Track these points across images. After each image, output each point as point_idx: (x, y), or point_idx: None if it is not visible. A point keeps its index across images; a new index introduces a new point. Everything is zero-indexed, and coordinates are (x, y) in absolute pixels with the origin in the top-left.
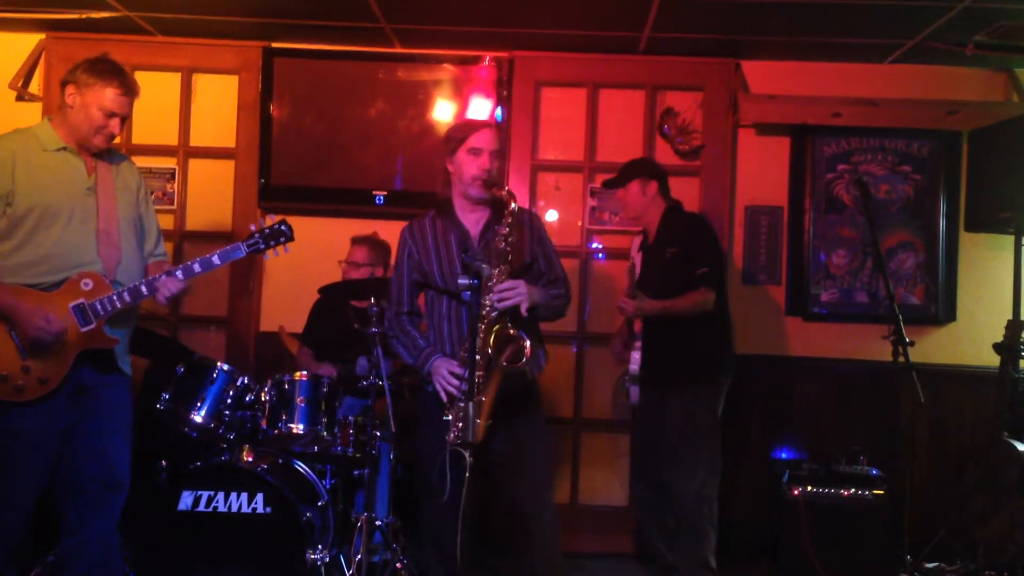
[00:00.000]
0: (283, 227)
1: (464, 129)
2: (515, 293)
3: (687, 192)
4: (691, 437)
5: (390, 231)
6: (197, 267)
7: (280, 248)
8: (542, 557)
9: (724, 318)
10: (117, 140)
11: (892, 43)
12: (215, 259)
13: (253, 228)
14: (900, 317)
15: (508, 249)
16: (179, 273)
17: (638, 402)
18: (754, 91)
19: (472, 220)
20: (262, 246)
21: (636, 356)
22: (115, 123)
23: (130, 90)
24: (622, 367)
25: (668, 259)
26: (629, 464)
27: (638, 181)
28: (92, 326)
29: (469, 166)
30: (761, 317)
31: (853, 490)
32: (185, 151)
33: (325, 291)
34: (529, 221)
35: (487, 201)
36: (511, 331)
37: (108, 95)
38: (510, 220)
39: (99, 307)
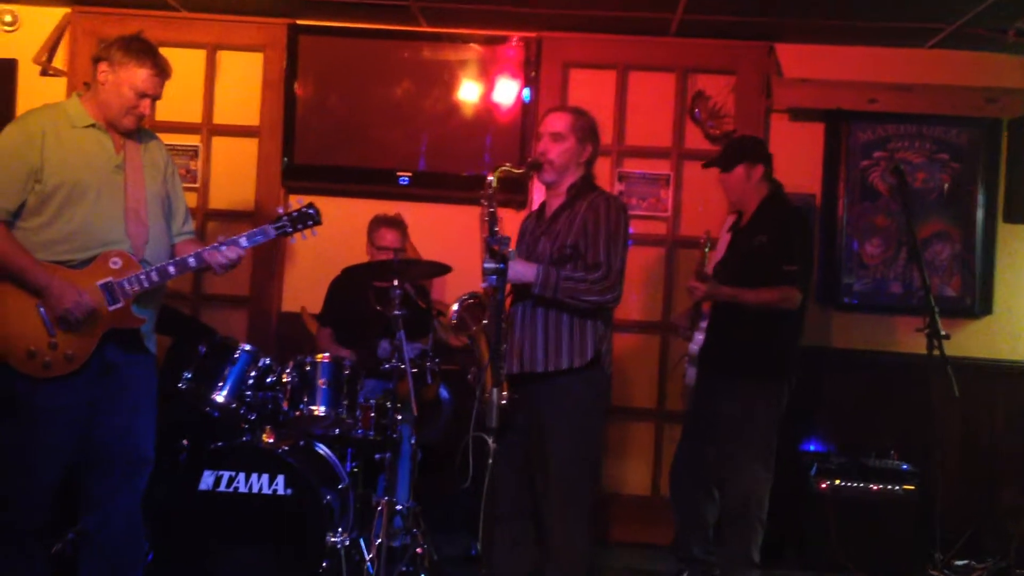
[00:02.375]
0: (311, 210)
1: (543, 115)
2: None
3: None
4: (747, 433)
5: (414, 213)
6: (228, 244)
7: (308, 232)
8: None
9: (801, 320)
10: None
11: (931, 27)
12: (243, 241)
13: (281, 211)
14: (935, 309)
15: (490, 220)
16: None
17: (694, 386)
18: (788, 75)
19: (552, 204)
20: (290, 229)
21: (699, 337)
22: (146, 104)
23: (163, 71)
24: (683, 346)
25: (756, 247)
26: (677, 448)
27: (744, 165)
28: (120, 305)
29: (535, 150)
30: None
31: (882, 485)
32: (208, 129)
33: (352, 271)
34: (591, 204)
35: (558, 185)
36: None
37: (141, 75)
38: (489, 192)
39: (127, 286)
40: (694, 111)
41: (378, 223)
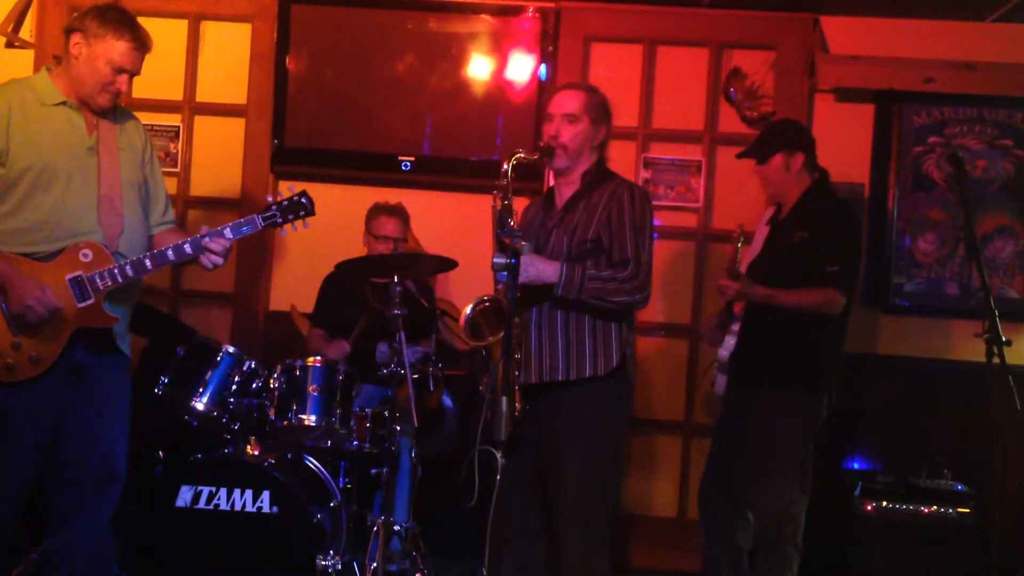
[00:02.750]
0: (303, 199)
1: (552, 94)
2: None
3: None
4: (779, 448)
5: (417, 201)
6: (188, 248)
7: (299, 223)
8: None
9: (843, 326)
10: None
11: None
12: (227, 232)
13: (270, 199)
14: (996, 312)
15: (505, 213)
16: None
17: (723, 395)
18: (834, 51)
19: (564, 194)
20: (279, 220)
21: (731, 342)
22: (123, 80)
23: (143, 44)
24: (713, 351)
25: (796, 243)
26: (705, 465)
27: (782, 155)
28: (91, 301)
29: (544, 135)
30: None
31: (935, 507)
32: (191, 107)
33: (347, 266)
34: (614, 193)
35: (571, 172)
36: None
37: (119, 48)
38: (504, 182)
39: (99, 281)
40: (729, 91)
41: (377, 211)
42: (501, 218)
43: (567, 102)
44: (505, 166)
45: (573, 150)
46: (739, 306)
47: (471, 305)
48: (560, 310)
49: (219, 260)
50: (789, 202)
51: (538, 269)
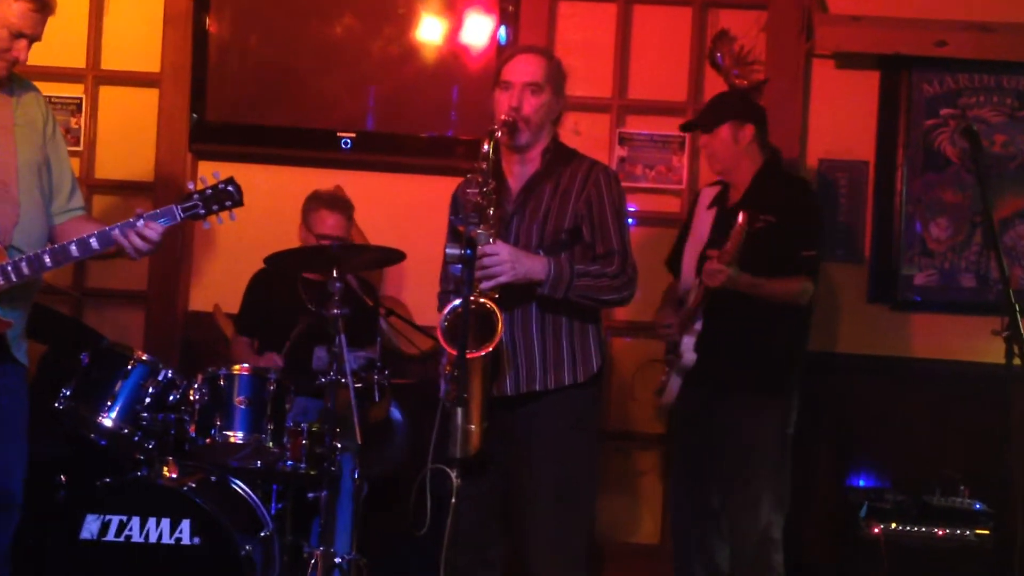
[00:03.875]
0: (230, 187)
1: (501, 56)
2: (494, 262)
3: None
4: (756, 463)
5: (359, 184)
6: (117, 234)
7: (225, 214)
8: None
9: (808, 315)
10: None
11: None
12: (140, 225)
13: (192, 186)
14: (1016, 307)
15: (485, 203)
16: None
17: (678, 404)
18: (833, 11)
19: (517, 173)
20: (202, 211)
21: (688, 342)
22: (21, 46)
23: (44, 5)
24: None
25: (760, 230)
26: (671, 487)
27: (730, 125)
28: None
29: (499, 105)
30: (836, 304)
31: (950, 528)
32: (95, 76)
33: (278, 260)
34: (587, 176)
35: (530, 148)
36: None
37: (16, 10)
38: (484, 165)
39: None
40: (715, 56)
41: (316, 203)
42: (478, 210)
43: (529, 68)
44: (486, 146)
45: (536, 124)
46: (694, 299)
47: (446, 313)
48: (537, 311)
49: (145, 246)
50: (740, 182)
51: (525, 267)
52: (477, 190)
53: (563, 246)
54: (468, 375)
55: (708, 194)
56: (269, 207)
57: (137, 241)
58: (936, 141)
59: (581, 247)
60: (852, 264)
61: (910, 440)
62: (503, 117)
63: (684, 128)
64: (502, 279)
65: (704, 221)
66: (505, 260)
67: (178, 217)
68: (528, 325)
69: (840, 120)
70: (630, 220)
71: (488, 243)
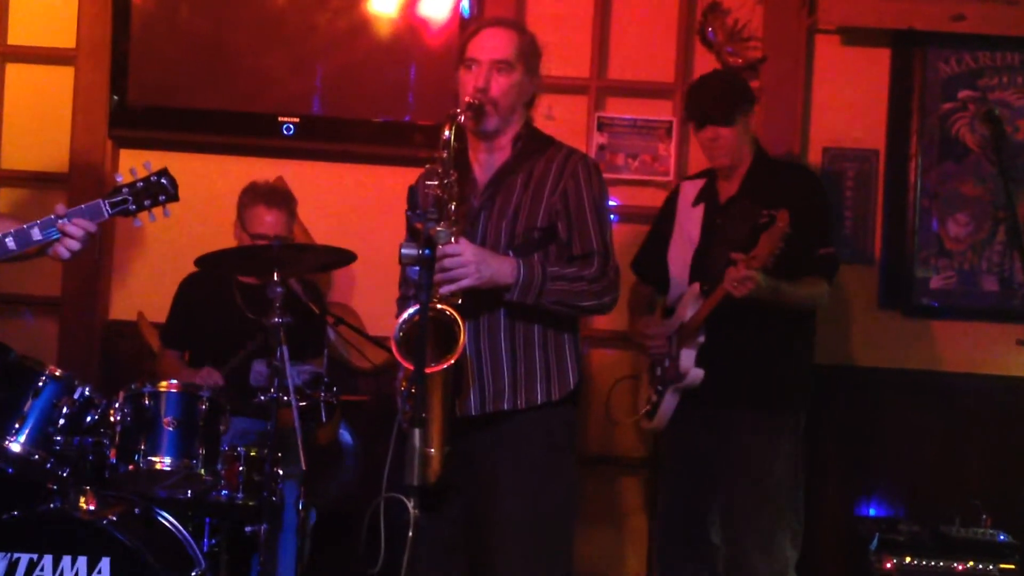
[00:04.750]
0: (163, 180)
1: (466, 31)
2: (455, 264)
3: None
4: (770, 493)
5: (304, 175)
6: (37, 233)
7: (159, 210)
8: None
9: (814, 324)
10: None
11: None
12: (69, 226)
13: (120, 179)
14: None
15: (446, 197)
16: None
17: (672, 425)
18: None
19: (484, 163)
20: (132, 206)
21: (690, 356)
22: None
23: None
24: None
25: (766, 225)
26: (657, 522)
27: (744, 115)
28: None
29: (463, 86)
30: (843, 311)
31: (971, 562)
32: (2, 53)
33: (206, 263)
34: (564, 166)
35: (499, 135)
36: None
37: None
38: (444, 154)
39: None
40: (706, 31)
41: (253, 197)
42: (438, 205)
43: (497, 44)
44: (447, 132)
45: (505, 107)
46: (684, 309)
47: (402, 322)
48: (504, 320)
49: (75, 246)
50: (737, 172)
51: (491, 269)
52: (437, 182)
53: (536, 246)
54: (427, 392)
55: (690, 189)
56: (201, 202)
57: (67, 241)
58: (954, 127)
59: (557, 247)
60: (861, 266)
61: (926, 464)
62: (467, 99)
63: (700, 124)
64: (465, 283)
65: (691, 219)
66: (468, 262)
67: (105, 214)
68: (496, 335)
69: (846, 104)
70: (612, 216)
71: (449, 242)
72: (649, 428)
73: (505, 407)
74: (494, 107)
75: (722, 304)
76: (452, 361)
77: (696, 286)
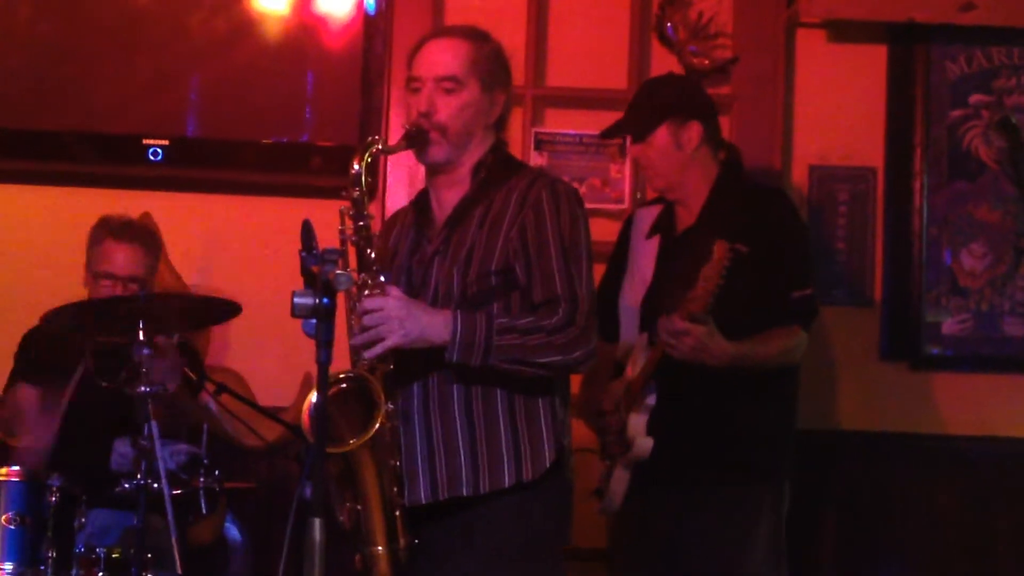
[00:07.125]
0: None
1: (413, 46)
2: (375, 320)
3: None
4: (748, 571)
5: (175, 210)
6: None
7: None
8: None
9: (797, 376)
10: None
11: None
12: None
13: None
14: None
15: (361, 243)
16: None
17: (626, 508)
18: None
19: (446, 200)
20: None
21: (639, 422)
22: None
23: None
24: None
25: (733, 263)
26: None
27: (667, 126)
28: None
29: (408, 112)
30: (838, 364)
31: None
32: None
33: (58, 317)
34: (527, 197)
35: (455, 167)
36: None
37: None
38: (356, 192)
39: None
40: (665, 27)
41: (100, 232)
42: (358, 249)
43: (441, 58)
44: (356, 165)
45: (456, 133)
46: (644, 364)
47: (317, 388)
48: (457, 384)
49: None
50: (694, 199)
51: (421, 325)
52: (351, 225)
53: (493, 294)
54: (326, 477)
55: (646, 217)
56: (48, 244)
57: None
58: (965, 139)
59: (521, 294)
60: (858, 309)
61: (939, 542)
62: (408, 127)
63: (605, 135)
64: (388, 343)
65: (644, 254)
66: (391, 317)
67: None
68: (448, 405)
69: (836, 113)
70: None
71: (350, 286)
72: (601, 511)
73: (464, 492)
74: (442, 134)
75: (665, 360)
76: (366, 439)
77: (644, 337)
